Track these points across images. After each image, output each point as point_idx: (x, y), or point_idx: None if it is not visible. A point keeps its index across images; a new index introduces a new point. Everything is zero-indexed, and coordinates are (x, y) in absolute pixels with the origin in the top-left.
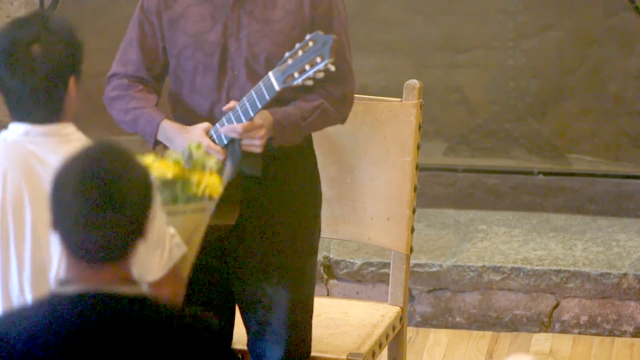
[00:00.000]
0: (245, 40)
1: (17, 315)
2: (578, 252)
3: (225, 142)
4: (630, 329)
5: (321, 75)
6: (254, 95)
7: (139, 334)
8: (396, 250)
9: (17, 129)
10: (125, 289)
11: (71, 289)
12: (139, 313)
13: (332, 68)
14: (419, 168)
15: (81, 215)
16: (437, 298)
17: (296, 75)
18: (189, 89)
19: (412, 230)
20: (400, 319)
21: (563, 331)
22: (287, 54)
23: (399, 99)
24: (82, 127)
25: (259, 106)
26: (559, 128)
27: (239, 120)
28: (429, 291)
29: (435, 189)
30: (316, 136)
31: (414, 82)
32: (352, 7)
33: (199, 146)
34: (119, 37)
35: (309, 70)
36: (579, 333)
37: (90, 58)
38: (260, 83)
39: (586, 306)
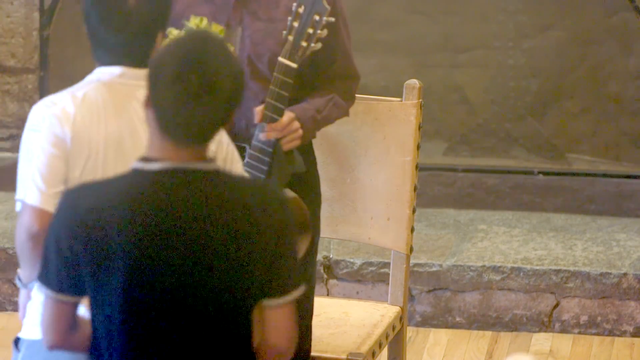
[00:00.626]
0: (248, 40)
1: (95, 187)
2: (578, 252)
3: (271, 149)
4: (630, 329)
5: (325, 33)
6: (277, 89)
7: (218, 207)
8: (396, 250)
9: (112, 71)
10: (204, 165)
11: (154, 166)
12: (217, 187)
13: (332, 19)
14: (419, 168)
15: (178, 97)
16: (437, 298)
17: (304, 44)
18: None
19: (412, 230)
20: (400, 318)
21: (563, 331)
22: (284, 32)
23: (399, 99)
24: None
25: (286, 95)
26: (559, 128)
27: (272, 121)
28: (429, 291)
29: (435, 189)
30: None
31: (414, 82)
32: (352, 7)
33: (202, 19)
34: None
35: (313, 32)
36: (579, 333)
37: (90, 58)
38: (276, 73)
39: (586, 306)
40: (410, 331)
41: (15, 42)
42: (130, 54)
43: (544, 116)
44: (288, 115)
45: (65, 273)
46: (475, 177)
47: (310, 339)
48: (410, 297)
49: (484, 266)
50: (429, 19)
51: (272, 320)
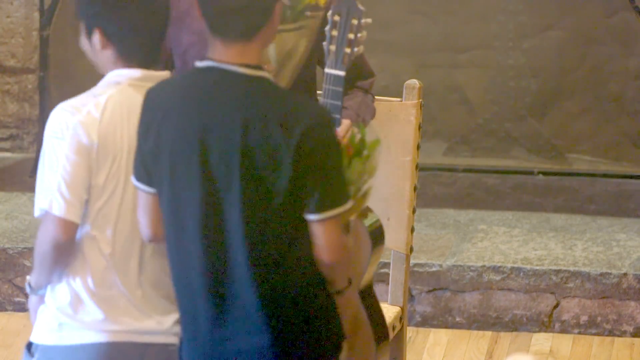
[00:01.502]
0: None
1: (163, 85)
2: (578, 252)
3: None
4: (630, 329)
5: (365, 35)
6: (330, 101)
7: (254, 113)
8: (396, 250)
9: (131, 74)
10: (245, 69)
11: (201, 63)
12: (258, 89)
13: (369, 20)
14: (419, 168)
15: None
16: (437, 298)
17: (347, 50)
18: None
19: (412, 230)
20: (400, 318)
21: (563, 331)
22: (324, 44)
23: (399, 99)
24: None
25: (339, 104)
26: (559, 128)
27: None
28: (429, 291)
29: (435, 189)
30: None
31: (414, 82)
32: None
33: None
34: None
35: (354, 37)
36: (579, 333)
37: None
38: (326, 85)
39: (586, 306)
40: (410, 331)
41: (15, 42)
42: (147, 56)
43: (544, 116)
44: (345, 123)
45: (141, 165)
46: (475, 177)
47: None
48: (410, 297)
49: (484, 266)
50: (429, 19)
51: (318, 234)
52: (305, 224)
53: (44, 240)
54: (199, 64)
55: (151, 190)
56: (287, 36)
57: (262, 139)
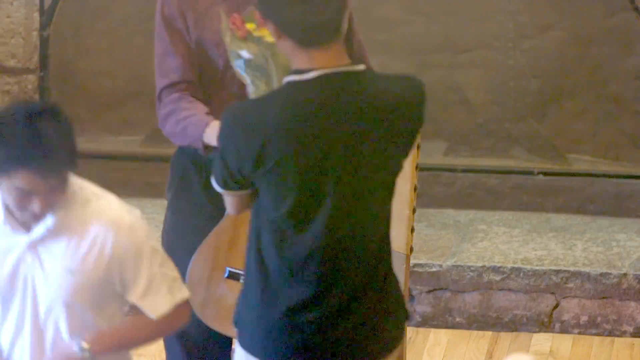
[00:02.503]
0: None
1: (253, 105)
2: (578, 252)
3: None
4: (630, 329)
5: None
6: None
7: (374, 104)
8: (396, 250)
9: None
10: (353, 67)
11: (309, 75)
12: (370, 85)
13: None
14: (419, 168)
15: (294, 6)
16: (437, 298)
17: None
18: (218, 86)
19: (412, 230)
20: None
21: (563, 331)
22: None
23: None
24: (82, 126)
25: None
26: (559, 128)
27: None
28: (429, 291)
29: (435, 189)
30: None
31: None
32: (352, 7)
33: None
34: (119, 37)
35: None
36: (579, 333)
37: (90, 58)
38: None
39: (586, 306)
40: (410, 331)
41: (15, 42)
42: None
43: (544, 116)
44: None
45: (231, 178)
46: (475, 177)
47: None
48: (410, 297)
49: (484, 266)
50: (429, 19)
51: None
52: None
53: None
54: (305, 76)
55: (244, 192)
56: None
57: (399, 121)
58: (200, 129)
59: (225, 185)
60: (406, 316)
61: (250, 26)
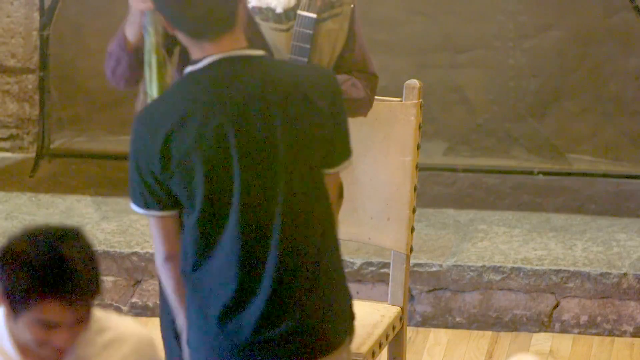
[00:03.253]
0: None
1: (155, 106)
2: (578, 252)
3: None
4: (630, 329)
5: None
6: (298, 44)
7: (274, 88)
8: (396, 250)
9: None
10: (250, 51)
11: (203, 62)
12: (269, 69)
13: None
14: (419, 168)
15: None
16: (437, 298)
17: None
18: None
19: (412, 230)
20: (400, 318)
21: (563, 331)
22: None
23: (399, 99)
24: (82, 127)
25: (308, 47)
26: (559, 128)
27: None
28: (429, 291)
29: (435, 189)
30: None
31: (414, 82)
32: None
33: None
34: None
35: None
36: (579, 333)
37: (91, 58)
38: (296, 27)
39: (586, 306)
40: (410, 331)
41: (15, 42)
42: None
43: (544, 116)
44: None
45: (149, 194)
46: (475, 177)
47: None
48: (410, 297)
49: (484, 266)
50: (429, 19)
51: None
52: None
53: None
54: (199, 65)
55: (166, 213)
56: (330, 25)
57: (301, 106)
58: (120, 31)
59: (145, 204)
60: (352, 316)
61: None
